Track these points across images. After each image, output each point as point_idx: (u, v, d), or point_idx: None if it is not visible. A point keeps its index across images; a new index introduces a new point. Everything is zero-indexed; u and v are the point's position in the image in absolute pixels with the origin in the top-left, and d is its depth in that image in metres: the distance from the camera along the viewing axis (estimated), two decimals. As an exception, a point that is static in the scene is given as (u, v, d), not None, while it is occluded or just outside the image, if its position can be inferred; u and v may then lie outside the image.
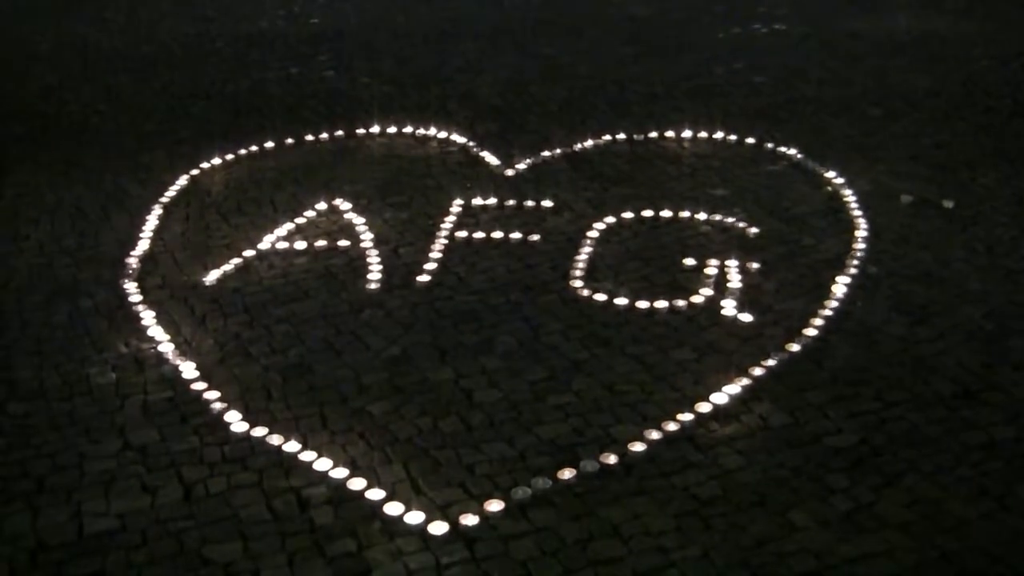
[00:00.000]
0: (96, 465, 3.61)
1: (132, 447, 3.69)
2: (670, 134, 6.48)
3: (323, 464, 3.52)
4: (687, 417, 3.72)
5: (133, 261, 5.04)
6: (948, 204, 5.37)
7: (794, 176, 5.85)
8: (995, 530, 3.18)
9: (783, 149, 6.18)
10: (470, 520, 3.25)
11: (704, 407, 3.78)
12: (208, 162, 6.22)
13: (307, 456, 3.57)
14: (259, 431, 3.72)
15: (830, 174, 5.76)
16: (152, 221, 5.47)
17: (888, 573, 3.03)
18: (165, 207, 5.65)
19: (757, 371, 3.99)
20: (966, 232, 5.11)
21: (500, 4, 10.31)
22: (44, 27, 9.78)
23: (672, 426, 3.68)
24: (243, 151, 6.42)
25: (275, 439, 3.67)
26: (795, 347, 4.15)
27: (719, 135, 6.41)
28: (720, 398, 3.82)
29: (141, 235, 5.31)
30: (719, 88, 7.47)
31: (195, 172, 6.11)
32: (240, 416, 3.81)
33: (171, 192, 5.83)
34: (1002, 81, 7.34)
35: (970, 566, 3.04)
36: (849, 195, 5.51)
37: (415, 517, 3.27)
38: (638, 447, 3.57)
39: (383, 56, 8.59)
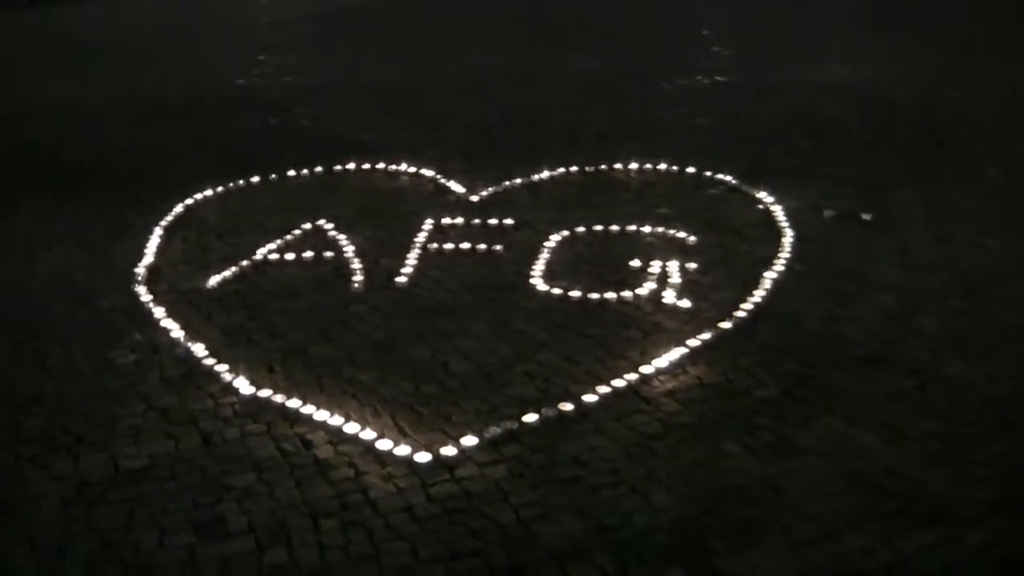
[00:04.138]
0: (125, 423, 4.17)
1: (155, 408, 4.26)
2: (619, 166, 7.15)
3: (322, 415, 4.09)
4: (634, 377, 4.33)
5: (141, 271, 5.60)
6: (867, 216, 6.05)
7: (731, 198, 6.53)
8: (896, 453, 3.77)
9: (721, 176, 6.86)
10: (449, 451, 3.83)
11: (648, 369, 4.39)
12: (201, 194, 6.83)
13: (308, 410, 4.14)
14: (265, 392, 4.30)
15: (762, 194, 6.43)
16: (154, 241, 6.06)
17: (805, 483, 3.61)
18: (165, 230, 6.24)
19: (694, 343, 4.60)
20: (884, 238, 5.77)
21: (463, 62, 11.05)
22: (33, 89, 10.37)
23: (621, 383, 4.28)
24: (232, 184, 7.03)
25: (279, 398, 4.25)
26: (728, 325, 4.77)
27: (663, 166, 7.09)
28: (662, 363, 4.43)
29: (145, 252, 5.89)
30: (664, 129, 8.21)
31: (189, 202, 6.71)
32: (247, 383, 4.38)
33: (169, 218, 6.43)
34: (920, 117, 8.13)
35: (873, 479, 3.63)
36: (779, 211, 6.17)
37: (403, 450, 3.85)
38: (591, 398, 4.17)
39: (355, 109, 9.30)
